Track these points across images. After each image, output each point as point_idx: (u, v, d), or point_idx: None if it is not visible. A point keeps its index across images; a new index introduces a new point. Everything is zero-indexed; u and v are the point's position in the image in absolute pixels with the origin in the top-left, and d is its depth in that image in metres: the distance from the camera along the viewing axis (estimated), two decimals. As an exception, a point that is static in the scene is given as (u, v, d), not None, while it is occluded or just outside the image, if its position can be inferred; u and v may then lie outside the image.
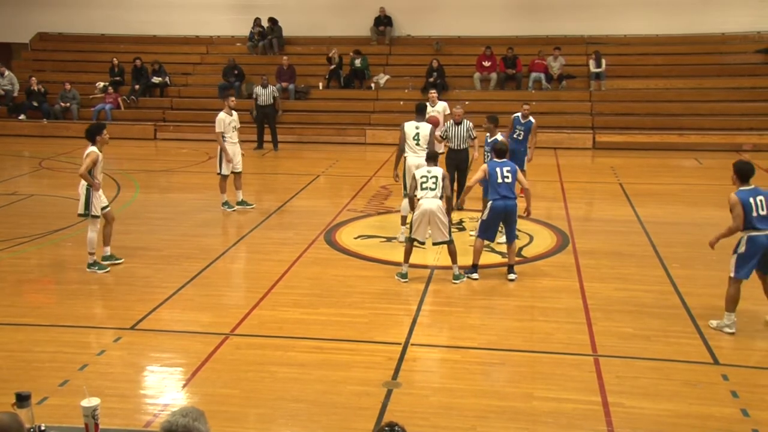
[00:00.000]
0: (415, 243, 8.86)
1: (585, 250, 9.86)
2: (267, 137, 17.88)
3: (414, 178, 8.90)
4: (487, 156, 10.26)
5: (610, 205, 12.71)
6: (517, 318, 7.77)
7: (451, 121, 11.11)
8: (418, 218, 8.65)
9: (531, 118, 12.22)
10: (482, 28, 21.35)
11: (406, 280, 8.72)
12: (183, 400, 6.07)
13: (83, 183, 8.86)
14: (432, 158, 8.99)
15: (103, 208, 9.03)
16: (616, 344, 7.01)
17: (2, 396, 5.42)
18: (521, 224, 11.06)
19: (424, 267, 9.25)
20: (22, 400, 3.87)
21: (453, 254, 8.77)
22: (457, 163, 11.16)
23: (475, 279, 8.80)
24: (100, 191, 8.98)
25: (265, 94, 17.56)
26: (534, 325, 7.56)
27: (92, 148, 8.81)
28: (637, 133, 18.59)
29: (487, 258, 9.63)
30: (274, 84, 18.87)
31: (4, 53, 22.97)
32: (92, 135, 8.88)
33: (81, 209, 8.92)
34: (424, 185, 8.71)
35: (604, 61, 19.90)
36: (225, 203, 11.92)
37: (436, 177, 8.72)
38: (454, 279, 8.74)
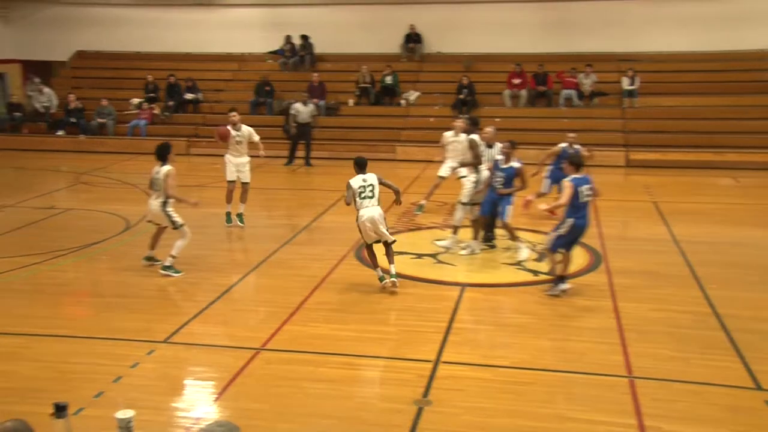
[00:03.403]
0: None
1: (618, 270, 9.75)
2: (298, 153, 18.03)
3: (350, 187, 8.94)
4: (499, 181, 10.13)
5: (643, 224, 12.57)
6: (549, 337, 7.70)
7: (483, 143, 10.81)
8: (364, 227, 8.86)
9: (578, 147, 12.22)
10: (512, 45, 21.36)
11: (385, 281, 8.89)
12: (215, 414, 6.11)
13: (157, 199, 9.32)
14: (363, 166, 9.05)
15: (182, 225, 9.48)
16: (652, 366, 6.88)
17: (40, 406, 5.51)
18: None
19: (455, 284, 9.22)
20: (60, 410, 3.94)
21: (392, 255, 8.99)
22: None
23: (566, 289, 8.69)
24: (172, 208, 9.45)
25: (305, 111, 17.64)
26: (566, 345, 7.49)
27: (168, 167, 9.28)
28: (672, 151, 18.39)
29: (517, 276, 9.59)
30: (315, 102, 18.94)
31: (44, 71, 23.48)
32: (164, 154, 9.35)
33: (170, 225, 9.44)
34: (362, 194, 8.84)
35: (638, 79, 19.76)
36: (227, 214, 11.90)
37: (373, 185, 8.90)
38: (391, 277, 8.86)
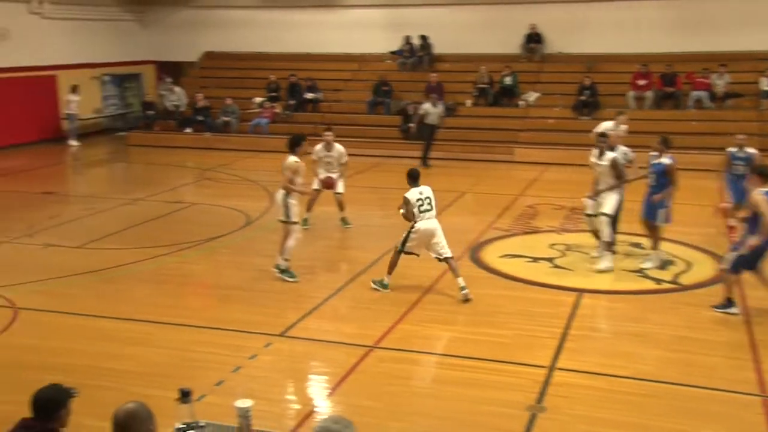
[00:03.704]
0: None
1: (752, 281, 9.15)
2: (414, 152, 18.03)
3: (408, 202, 8.69)
4: (652, 178, 9.65)
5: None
6: (672, 348, 7.34)
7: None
8: (419, 238, 8.68)
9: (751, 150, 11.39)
10: (638, 44, 20.54)
11: (387, 290, 8.77)
12: (327, 409, 6.20)
13: (282, 191, 9.19)
14: (416, 178, 8.86)
15: (295, 222, 9.27)
16: (788, 385, 6.44)
17: (165, 390, 5.76)
18: (678, 250, 10.52)
19: (572, 290, 8.96)
20: (185, 396, 4.08)
21: (456, 269, 8.77)
22: None
23: (735, 314, 8.06)
24: (296, 201, 9.29)
25: (434, 112, 17.50)
26: (691, 358, 7.11)
27: (292, 159, 9.14)
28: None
29: (639, 283, 9.22)
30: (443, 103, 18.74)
31: (176, 71, 24.67)
32: (293, 145, 9.27)
33: (282, 215, 9.24)
34: (422, 207, 8.67)
35: (779, 79, 18.54)
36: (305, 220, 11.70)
37: (429, 197, 8.77)
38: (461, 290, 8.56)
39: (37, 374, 6.28)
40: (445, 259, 8.76)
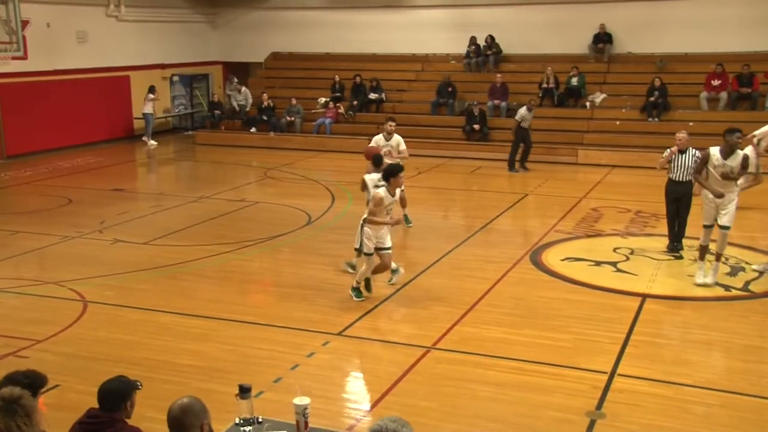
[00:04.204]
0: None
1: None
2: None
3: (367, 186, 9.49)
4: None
5: None
6: (742, 358, 7.09)
7: (675, 147, 10.11)
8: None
9: None
10: (713, 43, 19.91)
11: (367, 294, 8.77)
12: (384, 408, 6.20)
13: (363, 219, 8.72)
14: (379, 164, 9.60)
15: (380, 249, 8.69)
16: None
17: (226, 385, 5.89)
18: (749, 257, 10.17)
19: (636, 295, 8.75)
20: (244, 392, 4.16)
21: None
22: (678, 197, 10.23)
23: None
24: (379, 231, 8.65)
25: (529, 117, 17.29)
26: (762, 368, 6.86)
27: (381, 191, 8.51)
28: None
29: (706, 290, 8.94)
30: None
31: (243, 72, 25.13)
32: (388, 174, 8.55)
33: (356, 243, 8.97)
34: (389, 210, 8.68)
35: None
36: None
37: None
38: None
39: (104, 366, 6.51)
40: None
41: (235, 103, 22.78)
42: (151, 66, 22.74)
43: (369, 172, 10.13)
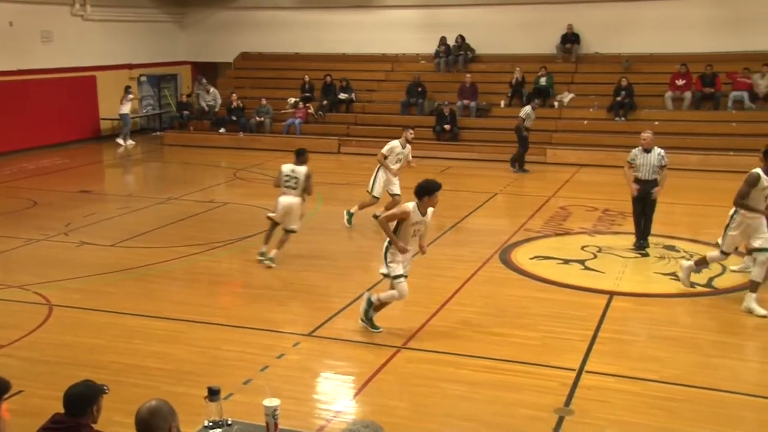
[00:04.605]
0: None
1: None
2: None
3: (279, 174, 9.89)
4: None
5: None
6: (706, 353, 7.22)
7: (640, 148, 10.29)
8: (277, 208, 9.81)
9: None
10: (678, 44, 20.20)
11: (264, 260, 9.76)
12: (354, 408, 6.21)
13: (386, 243, 7.55)
14: (297, 155, 9.82)
15: (397, 276, 7.47)
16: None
17: (195, 388, 5.83)
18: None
19: (603, 292, 8.86)
20: (213, 394, 4.13)
21: (282, 242, 9.87)
22: (644, 196, 10.34)
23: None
24: (402, 256, 7.44)
25: (533, 117, 17.32)
26: (726, 363, 6.99)
27: (411, 204, 7.28)
28: None
29: (671, 286, 9.08)
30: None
31: (212, 72, 24.93)
32: (424, 192, 7.30)
33: (382, 268, 7.57)
34: (286, 183, 9.75)
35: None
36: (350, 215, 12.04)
37: (298, 178, 9.69)
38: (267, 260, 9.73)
39: (69, 370, 6.41)
40: (286, 231, 9.89)
41: (203, 104, 22.59)
42: (118, 66, 22.47)
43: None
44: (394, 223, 7.39)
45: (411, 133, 12.14)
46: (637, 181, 10.39)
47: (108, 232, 11.77)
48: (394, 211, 7.46)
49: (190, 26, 25.44)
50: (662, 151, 10.27)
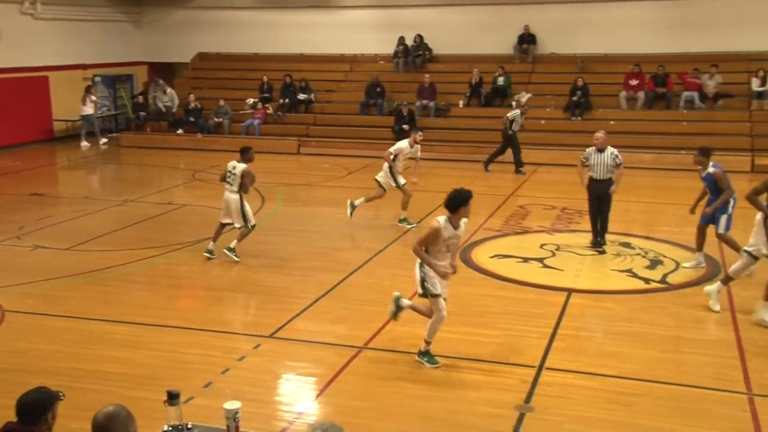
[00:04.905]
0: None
1: (738, 280, 9.19)
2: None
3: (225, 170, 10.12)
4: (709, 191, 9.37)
5: None
6: (661, 348, 7.36)
7: (593, 147, 10.46)
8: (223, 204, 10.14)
9: None
10: (631, 45, 20.59)
11: (212, 255, 10.08)
12: (316, 410, 6.20)
13: (418, 260, 6.87)
14: (241, 153, 10.03)
15: (435, 295, 6.77)
16: (773, 383, 6.47)
17: (154, 392, 5.74)
18: (666, 250, 10.56)
19: (561, 290, 8.98)
20: (173, 398, 4.08)
21: (242, 236, 10.12)
22: (599, 195, 10.55)
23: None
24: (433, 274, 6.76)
25: (522, 120, 17.29)
26: (680, 357, 7.15)
27: (442, 219, 6.69)
28: (802, 156, 17.22)
29: (627, 283, 9.25)
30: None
31: (168, 72, 24.62)
32: (455, 204, 6.69)
33: (419, 288, 6.88)
34: (227, 179, 10.03)
35: (769, 80, 18.58)
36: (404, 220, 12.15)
37: (235, 174, 9.90)
38: (227, 250, 10.01)
39: (23, 377, 6.26)
40: (223, 224, 10.22)
41: (160, 104, 22.30)
42: (71, 66, 22.06)
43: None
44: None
45: (420, 135, 12.27)
46: (591, 180, 10.55)
47: (63, 235, 11.54)
48: (424, 235, 6.82)
49: (147, 26, 25.10)
50: (615, 150, 10.45)
